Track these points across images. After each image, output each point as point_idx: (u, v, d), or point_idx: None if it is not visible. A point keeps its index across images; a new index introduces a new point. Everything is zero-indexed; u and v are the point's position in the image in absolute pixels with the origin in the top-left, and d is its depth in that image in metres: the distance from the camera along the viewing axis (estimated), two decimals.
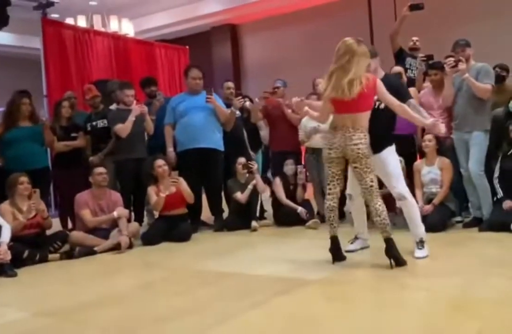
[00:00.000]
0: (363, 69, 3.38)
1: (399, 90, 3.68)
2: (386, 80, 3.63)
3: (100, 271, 4.03)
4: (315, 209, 5.55)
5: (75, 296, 3.28)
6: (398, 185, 3.68)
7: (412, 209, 3.73)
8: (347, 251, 3.79)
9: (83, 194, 4.85)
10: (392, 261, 3.37)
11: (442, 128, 3.53)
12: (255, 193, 5.41)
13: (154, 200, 4.96)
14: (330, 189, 3.56)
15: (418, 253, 3.65)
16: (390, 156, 3.70)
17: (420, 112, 3.69)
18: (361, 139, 3.39)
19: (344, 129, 3.42)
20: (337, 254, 3.57)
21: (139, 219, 5.53)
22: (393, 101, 3.51)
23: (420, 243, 3.69)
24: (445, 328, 2.36)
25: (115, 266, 4.18)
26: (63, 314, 2.93)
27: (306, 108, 3.87)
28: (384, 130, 3.69)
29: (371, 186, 3.43)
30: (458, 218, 4.91)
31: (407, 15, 5.40)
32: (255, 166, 5.54)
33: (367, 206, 3.80)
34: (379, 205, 3.42)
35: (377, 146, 3.61)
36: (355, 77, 3.33)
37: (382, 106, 3.65)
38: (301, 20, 10.78)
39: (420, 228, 3.73)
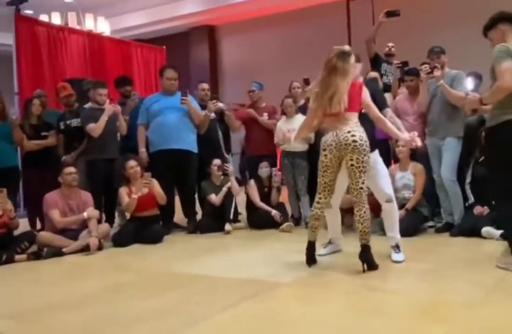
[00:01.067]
0: (344, 86, 3.33)
1: (376, 98, 3.71)
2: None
3: (68, 273, 3.94)
4: (289, 212, 5.53)
5: (41, 298, 3.20)
6: (388, 187, 3.73)
7: (395, 212, 3.79)
8: (319, 255, 3.79)
9: (52, 194, 4.74)
10: (364, 265, 3.38)
11: (418, 142, 3.54)
12: (229, 195, 5.37)
13: (125, 201, 4.89)
14: (320, 198, 3.53)
15: (397, 257, 3.68)
16: (379, 159, 3.75)
17: (396, 123, 3.73)
18: (353, 128, 3.34)
19: (333, 128, 3.41)
20: (311, 257, 3.58)
21: (110, 220, 5.44)
22: (375, 113, 3.52)
23: (397, 247, 3.73)
24: (413, 331, 2.39)
25: (83, 268, 4.09)
26: (27, 316, 2.85)
27: (291, 136, 3.85)
28: (371, 132, 3.72)
29: (362, 188, 3.39)
30: (430, 223, 4.95)
31: (383, 21, 5.45)
32: (231, 168, 5.50)
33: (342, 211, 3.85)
34: (364, 211, 3.38)
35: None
36: (336, 93, 3.30)
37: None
38: (280, 24, 10.80)
39: (397, 231, 3.78)
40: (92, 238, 4.47)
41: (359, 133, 3.33)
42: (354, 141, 3.30)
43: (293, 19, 10.54)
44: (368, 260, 3.39)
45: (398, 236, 3.79)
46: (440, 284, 3.11)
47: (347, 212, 4.59)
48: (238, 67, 11.47)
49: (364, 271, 3.36)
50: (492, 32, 3.37)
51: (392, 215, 3.78)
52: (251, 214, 5.54)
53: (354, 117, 3.44)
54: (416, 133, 3.60)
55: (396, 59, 5.86)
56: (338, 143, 3.34)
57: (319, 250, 3.87)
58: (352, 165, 3.35)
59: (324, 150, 3.41)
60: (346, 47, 3.39)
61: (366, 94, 3.51)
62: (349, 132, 3.32)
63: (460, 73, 4.66)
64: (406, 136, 3.55)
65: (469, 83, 3.77)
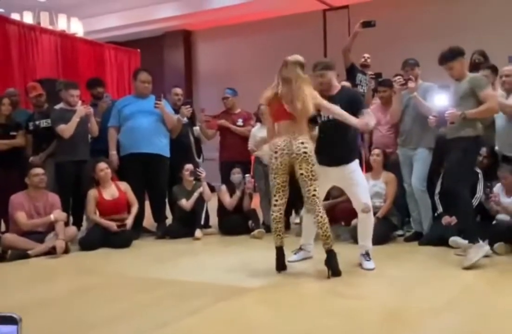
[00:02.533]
0: (302, 90, 3.43)
1: (355, 100, 3.79)
2: (343, 92, 3.81)
3: (33, 276, 3.85)
4: (261, 219, 5.52)
5: (3, 300, 3.11)
6: (366, 197, 3.78)
7: (370, 222, 3.85)
8: (289, 262, 3.78)
9: (18, 195, 4.63)
10: (329, 271, 3.41)
11: (371, 123, 3.67)
12: (201, 201, 5.32)
13: (92, 206, 4.84)
14: (276, 200, 3.55)
15: (368, 264, 3.72)
16: (358, 169, 3.82)
17: (372, 120, 3.80)
18: (306, 139, 3.45)
19: (288, 134, 3.46)
20: (280, 263, 3.57)
21: (78, 223, 5.33)
22: (330, 108, 3.58)
23: (367, 255, 3.78)
24: None
25: (48, 271, 4.00)
26: None
27: (265, 146, 3.89)
28: (350, 141, 3.79)
29: (314, 195, 3.44)
30: (400, 232, 5.00)
31: (359, 31, 5.51)
32: (203, 174, 5.46)
33: None
34: (321, 216, 3.44)
35: (344, 157, 3.71)
36: (297, 98, 3.40)
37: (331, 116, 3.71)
38: (257, 31, 10.83)
39: (369, 241, 3.83)
40: (59, 241, 4.37)
41: (310, 145, 3.46)
42: (304, 152, 3.41)
43: (270, 27, 10.60)
44: (333, 267, 3.42)
45: (370, 245, 3.83)
46: (406, 291, 3.16)
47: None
48: (213, 72, 11.44)
49: (329, 277, 3.40)
50: (455, 62, 3.91)
51: (367, 225, 3.83)
52: (222, 220, 5.50)
53: (306, 125, 3.53)
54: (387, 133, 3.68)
55: (371, 70, 5.93)
56: (290, 150, 3.42)
57: (290, 256, 3.86)
58: (301, 174, 3.44)
59: (276, 152, 3.46)
60: (291, 58, 3.50)
61: (317, 97, 3.54)
62: (302, 143, 3.42)
63: (433, 86, 4.74)
64: (358, 121, 3.58)
65: (442, 98, 4.03)
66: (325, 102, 3.55)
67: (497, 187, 4.41)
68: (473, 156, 3.99)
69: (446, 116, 3.80)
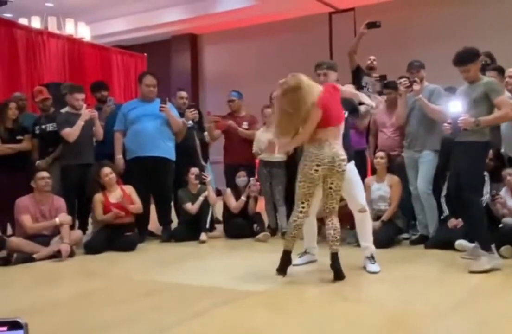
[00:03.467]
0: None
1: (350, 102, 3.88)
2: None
3: (37, 279, 3.87)
4: (266, 222, 5.50)
5: (8, 303, 3.12)
6: (361, 198, 3.81)
7: (368, 222, 3.87)
8: (294, 265, 3.76)
9: (24, 199, 4.64)
10: (334, 274, 3.42)
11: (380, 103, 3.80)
12: (206, 204, 5.32)
13: (99, 209, 4.84)
14: (303, 207, 3.52)
15: (372, 267, 3.71)
16: (352, 171, 3.79)
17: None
18: (344, 156, 3.45)
19: (327, 144, 3.42)
20: (284, 268, 3.54)
21: (83, 227, 5.35)
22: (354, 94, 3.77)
23: (372, 258, 3.77)
24: None
25: (53, 274, 4.01)
26: None
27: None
28: (347, 141, 3.79)
29: (334, 207, 3.51)
30: (406, 235, 4.97)
31: (364, 32, 5.50)
32: (209, 177, 5.46)
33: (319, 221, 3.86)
34: (336, 221, 3.50)
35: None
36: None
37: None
38: (262, 34, 10.84)
39: (371, 241, 3.83)
40: (64, 245, 4.38)
41: (346, 162, 3.47)
42: (343, 170, 3.44)
43: (276, 30, 10.60)
44: (337, 270, 3.43)
45: (372, 246, 3.82)
46: (411, 294, 3.14)
47: (324, 223, 4.61)
48: (219, 76, 11.46)
49: (333, 280, 3.40)
50: (471, 65, 3.75)
51: (365, 225, 3.84)
52: (227, 223, 5.49)
53: (340, 133, 3.54)
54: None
55: (376, 72, 5.91)
56: (331, 167, 3.41)
57: (295, 259, 3.85)
58: (330, 188, 3.46)
59: (318, 165, 3.40)
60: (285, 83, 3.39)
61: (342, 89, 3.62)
62: (343, 160, 3.43)
63: (438, 88, 4.72)
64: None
65: (457, 104, 3.87)
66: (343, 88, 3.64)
67: (504, 190, 4.38)
68: (483, 162, 3.93)
69: (459, 122, 3.67)
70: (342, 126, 3.55)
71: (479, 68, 3.88)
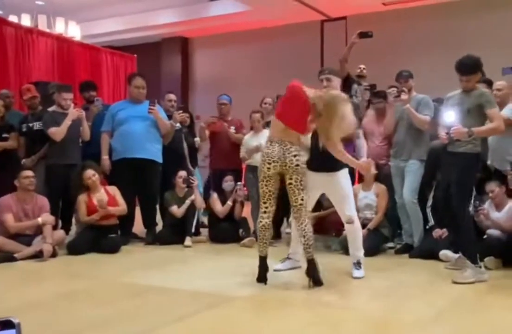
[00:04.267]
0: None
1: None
2: None
3: (18, 279, 3.81)
4: (252, 227, 5.48)
5: None
6: (350, 208, 3.79)
7: (358, 232, 3.89)
8: (275, 270, 3.77)
9: (7, 198, 4.59)
10: (310, 281, 3.41)
11: (372, 170, 3.76)
12: (192, 208, 5.29)
13: (83, 210, 4.81)
14: (266, 207, 3.53)
15: (356, 273, 3.74)
16: (345, 179, 3.80)
17: (363, 147, 3.99)
18: (299, 151, 3.46)
19: (280, 142, 3.44)
20: (262, 275, 3.51)
21: (67, 227, 5.29)
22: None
23: (358, 264, 3.79)
24: None
25: (35, 274, 3.96)
26: None
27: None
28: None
29: (301, 204, 3.46)
30: (391, 244, 4.98)
31: (356, 42, 5.52)
32: (196, 181, 5.44)
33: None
34: (305, 225, 3.46)
35: (332, 165, 3.71)
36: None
37: None
38: (254, 40, 10.88)
39: (360, 250, 3.85)
40: (46, 245, 4.33)
41: (303, 158, 3.47)
42: (297, 165, 3.42)
43: (268, 36, 10.64)
44: (314, 276, 3.43)
45: (361, 254, 3.84)
46: (394, 303, 3.15)
47: (319, 232, 4.68)
48: (210, 80, 11.46)
49: (309, 287, 3.40)
50: (474, 75, 3.73)
51: (354, 235, 3.85)
52: (213, 228, 5.47)
53: (299, 139, 3.51)
54: (372, 161, 3.87)
55: (366, 81, 5.94)
56: (283, 162, 3.42)
57: (277, 265, 3.85)
58: (290, 183, 3.45)
59: (269, 163, 3.44)
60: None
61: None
62: (295, 156, 3.41)
63: (426, 98, 4.75)
64: (361, 162, 3.70)
65: (451, 115, 3.80)
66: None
67: (488, 203, 4.40)
68: (474, 174, 3.89)
69: (452, 132, 3.63)
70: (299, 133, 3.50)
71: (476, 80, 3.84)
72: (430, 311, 2.96)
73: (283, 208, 4.27)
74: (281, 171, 3.45)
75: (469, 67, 3.71)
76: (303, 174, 3.46)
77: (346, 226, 3.84)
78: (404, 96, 4.57)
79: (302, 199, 3.45)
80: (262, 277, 3.51)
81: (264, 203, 3.53)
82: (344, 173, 3.79)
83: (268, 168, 3.45)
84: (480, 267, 3.68)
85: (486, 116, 3.72)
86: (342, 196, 3.77)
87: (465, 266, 3.67)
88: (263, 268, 3.52)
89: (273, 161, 3.43)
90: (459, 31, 8.95)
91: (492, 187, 4.32)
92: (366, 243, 4.48)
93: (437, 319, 2.82)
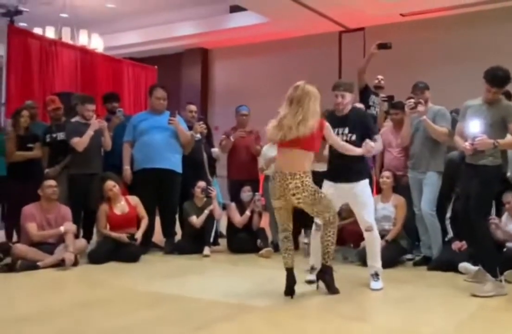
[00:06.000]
0: (315, 110, 3.42)
1: (369, 125, 3.92)
2: (354, 113, 3.92)
3: (40, 287, 3.88)
4: (270, 237, 5.51)
5: (9, 310, 3.15)
6: (370, 216, 3.83)
7: (376, 241, 3.87)
8: (308, 281, 3.79)
9: (30, 207, 4.68)
10: (319, 282, 3.49)
11: (377, 148, 3.79)
12: (211, 218, 5.34)
13: (103, 221, 4.90)
14: (282, 225, 3.59)
15: (375, 285, 3.75)
16: (366, 188, 3.86)
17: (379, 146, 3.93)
18: (299, 188, 3.36)
19: (281, 175, 3.42)
20: (289, 287, 3.47)
21: (88, 236, 5.36)
22: (337, 141, 3.69)
23: (376, 276, 3.79)
24: None
25: (56, 283, 4.03)
26: None
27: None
28: (359, 160, 3.83)
29: (329, 220, 3.49)
30: (409, 256, 4.95)
31: (374, 53, 5.56)
32: (215, 191, 5.49)
33: None
34: (331, 234, 3.50)
35: (353, 176, 3.79)
36: (306, 118, 3.36)
37: (353, 138, 3.82)
38: (273, 51, 10.95)
39: (378, 261, 3.84)
40: (68, 253, 4.40)
41: (304, 193, 3.37)
42: (298, 202, 3.41)
43: (286, 47, 10.71)
44: (326, 281, 3.47)
45: (379, 265, 3.83)
46: (413, 315, 3.14)
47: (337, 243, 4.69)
48: (229, 91, 11.55)
49: (317, 288, 3.46)
50: (503, 89, 3.71)
51: (372, 244, 3.85)
52: (231, 238, 5.51)
53: (304, 161, 3.45)
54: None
55: (384, 92, 5.96)
56: (285, 199, 3.43)
57: (307, 275, 3.87)
58: (299, 203, 3.45)
59: (273, 199, 3.49)
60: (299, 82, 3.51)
61: (327, 128, 3.59)
62: (293, 195, 3.37)
63: (443, 109, 4.74)
64: (362, 149, 3.68)
65: (476, 125, 3.77)
66: (330, 133, 3.61)
67: (505, 215, 4.38)
68: (494, 187, 3.85)
69: (476, 143, 3.58)
70: (306, 153, 3.47)
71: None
72: (449, 324, 2.95)
73: (300, 219, 4.28)
74: (286, 203, 3.48)
75: (502, 79, 3.65)
76: (311, 194, 3.40)
77: (365, 234, 3.84)
78: (420, 108, 4.57)
79: (318, 209, 3.46)
80: (289, 290, 3.46)
81: (282, 224, 3.59)
82: (365, 183, 3.85)
83: (275, 203, 3.52)
84: (501, 280, 3.65)
85: (508, 129, 3.68)
86: (363, 203, 3.81)
87: (485, 279, 3.64)
88: (289, 279, 3.48)
89: (277, 198, 3.48)
90: (478, 42, 8.91)
91: (509, 198, 4.29)
92: (384, 255, 4.48)
93: (456, 332, 2.80)
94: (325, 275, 3.49)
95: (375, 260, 3.83)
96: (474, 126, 3.67)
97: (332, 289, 3.47)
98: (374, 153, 3.93)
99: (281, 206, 3.50)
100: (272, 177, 3.52)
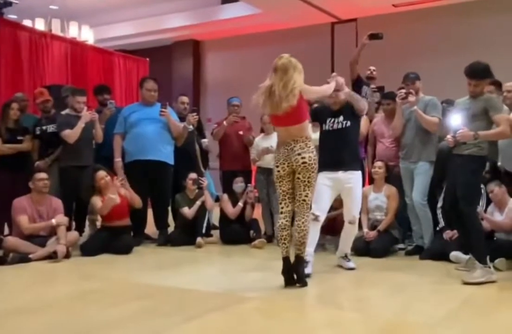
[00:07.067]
0: (299, 82, 3.46)
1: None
2: (347, 106, 4.04)
3: (32, 279, 3.87)
4: (262, 228, 5.52)
5: (1, 303, 3.12)
6: (356, 210, 4.03)
7: (354, 233, 4.14)
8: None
9: (21, 199, 4.66)
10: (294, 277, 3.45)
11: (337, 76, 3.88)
12: (203, 209, 5.34)
13: (99, 204, 4.84)
14: (282, 207, 3.55)
15: (349, 264, 4.05)
16: (359, 182, 4.03)
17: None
18: (303, 148, 3.45)
19: (285, 144, 3.50)
20: (288, 277, 3.46)
21: (80, 229, 5.36)
22: (317, 89, 3.71)
23: (346, 257, 4.09)
24: None
25: (48, 275, 4.02)
26: None
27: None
28: (354, 147, 4.03)
29: (304, 200, 3.49)
30: (401, 246, 4.98)
31: (366, 43, 5.55)
32: (206, 182, 5.48)
33: None
34: (303, 222, 3.46)
35: (350, 163, 3.94)
36: (292, 89, 3.40)
37: (348, 124, 3.97)
38: (264, 42, 10.91)
39: (349, 248, 4.18)
40: (60, 246, 4.39)
41: (308, 154, 3.45)
42: (303, 163, 3.44)
43: (278, 38, 10.67)
44: (298, 273, 3.45)
45: (348, 250, 4.14)
46: (404, 304, 3.16)
47: (329, 233, 4.88)
48: (221, 82, 11.52)
49: (295, 284, 3.44)
50: (483, 81, 3.79)
51: (351, 235, 4.14)
52: (224, 229, 5.51)
53: (303, 131, 3.52)
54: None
55: (376, 82, 5.95)
56: (290, 163, 3.47)
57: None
58: (298, 178, 3.48)
59: (277, 166, 3.53)
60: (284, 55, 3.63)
61: (305, 88, 3.53)
62: (299, 154, 3.44)
63: (434, 99, 4.75)
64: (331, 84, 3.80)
65: (458, 118, 3.85)
66: (307, 87, 3.54)
67: (491, 206, 4.40)
68: (480, 175, 3.95)
69: (458, 135, 3.69)
70: (300, 125, 3.51)
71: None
72: (440, 312, 2.96)
73: None
74: (292, 170, 3.49)
75: (479, 72, 3.76)
76: (312, 171, 3.47)
77: (346, 225, 4.04)
78: (411, 98, 4.58)
79: (306, 196, 3.47)
80: (289, 280, 3.44)
81: (280, 203, 3.57)
82: (359, 176, 3.99)
83: (278, 170, 3.52)
84: (489, 267, 3.68)
85: (493, 121, 3.75)
86: (355, 196, 3.99)
87: (474, 266, 3.67)
88: (287, 269, 3.45)
89: (280, 163, 3.49)
90: (470, 32, 8.93)
91: (492, 187, 4.31)
92: (376, 244, 4.55)
93: (447, 320, 2.81)
94: (299, 266, 3.46)
95: (347, 247, 4.15)
96: (456, 119, 3.81)
97: (302, 282, 3.44)
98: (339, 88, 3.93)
99: (283, 174, 3.48)
100: (277, 149, 3.56)
